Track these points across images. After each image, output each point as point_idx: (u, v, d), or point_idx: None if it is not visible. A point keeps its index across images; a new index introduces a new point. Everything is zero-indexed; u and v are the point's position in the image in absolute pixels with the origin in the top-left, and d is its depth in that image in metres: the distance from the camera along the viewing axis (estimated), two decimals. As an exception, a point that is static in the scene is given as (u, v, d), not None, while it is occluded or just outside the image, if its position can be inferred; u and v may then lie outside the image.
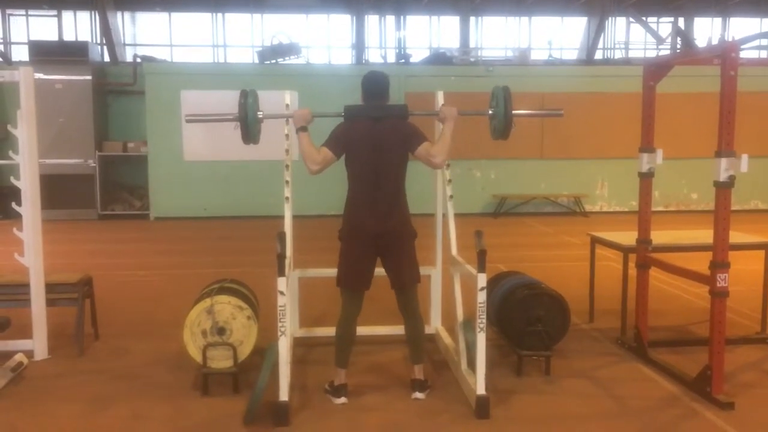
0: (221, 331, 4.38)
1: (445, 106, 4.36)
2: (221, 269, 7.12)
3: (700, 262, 4.39)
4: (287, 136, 4.94)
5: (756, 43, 15.87)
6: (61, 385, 4.53)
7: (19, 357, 4.71)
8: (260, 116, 4.28)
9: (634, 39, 17.77)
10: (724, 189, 4.03)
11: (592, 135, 13.69)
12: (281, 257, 3.90)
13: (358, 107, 4.27)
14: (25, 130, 4.89)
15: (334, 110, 4.35)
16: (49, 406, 4.17)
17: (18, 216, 5.00)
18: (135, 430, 3.86)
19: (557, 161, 13.94)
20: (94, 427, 3.90)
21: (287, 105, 5.00)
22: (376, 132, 4.16)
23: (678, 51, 15.32)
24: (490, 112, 4.42)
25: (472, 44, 17.13)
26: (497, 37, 17.81)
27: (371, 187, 4.17)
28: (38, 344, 4.99)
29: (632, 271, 5.22)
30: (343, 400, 4.18)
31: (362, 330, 4.96)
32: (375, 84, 4.28)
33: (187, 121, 4.61)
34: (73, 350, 5.09)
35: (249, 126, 4.24)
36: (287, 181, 4.74)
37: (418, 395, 4.25)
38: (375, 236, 4.17)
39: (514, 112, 4.29)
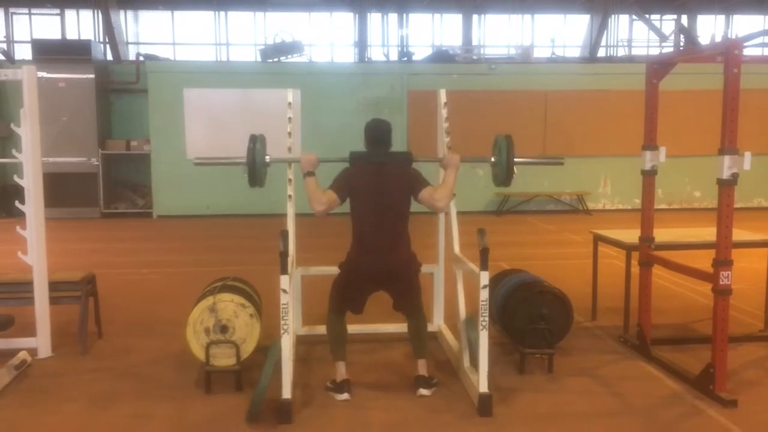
0: (224, 329, 4.38)
1: (449, 153, 4.50)
2: (224, 267, 7.13)
3: (703, 260, 4.39)
4: (290, 134, 4.95)
5: (759, 40, 15.83)
6: (65, 383, 4.54)
7: (22, 355, 4.72)
8: (268, 161, 4.35)
9: (637, 36, 17.75)
10: (727, 186, 4.03)
11: (595, 133, 13.67)
12: (284, 255, 3.91)
13: (363, 153, 4.38)
14: (28, 129, 4.90)
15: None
16: (53, 404, 4.18)
17: (21, 214, 5.02)
18: (138, 428, 3.86)
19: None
20: (98, 425, 3.90)
21: (289, 103, 5.02)
22: (379, 177, 4.28)
23: (681, 48, 15.29)
24: (492, 159, 4.51)
25: (474, 42, 17.12)
26: (500, 34, 17.79)
27: (374, 229, 4.28)
28: (41, 342, 5.00)
29: (635, 269, 5.22)
30: (345, 396, 4.19)
31: (364, 328, 4.98)
32: (378, 131, 4.41)
33: (196, 165, 4.66)
34: (76, 348, 5.10)
35: (257, 170, 4.31)
36: (290, 180, 4.74)
37: (424, 392, 4.25)
38: (375, 276, 4.31)
39: (516, 160, 4.45)
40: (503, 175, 4.48)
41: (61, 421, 3.96)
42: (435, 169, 5.25)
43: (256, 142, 4.30)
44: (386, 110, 12.71)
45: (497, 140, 4.52)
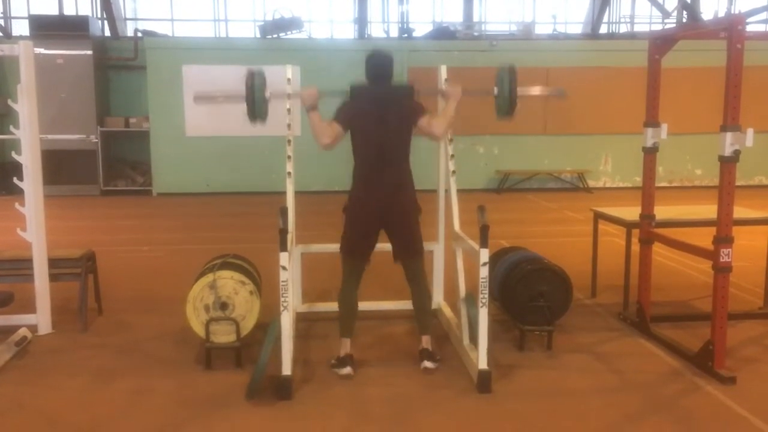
0: (224, 306, 4.39)
1: (451, 84, 4.36)
2: (224, 245, 7.12)
3: (704, 238, 4.38)
4: (289, 110, 4.92)
5: (763, 15, 15.70)
6: (65, 359, 4.56)
7: (23, 331, 4.73)
8: (268, 96, 4.27)
9: (640, 13, 17.58)
10: (728, 163, 4.01)
11: (596, 110, 13.61)
12: (283, 232, 3.90)
13: (364, 86, 4.29)
14: (25, 105, 4.87)
15: (336, 86, 4.35)
16: (54, 380, 4.20)
17: (21, 192, 5.00)
18: (138, 404, 3.88)
19: (561, 137, 13.88)
20: (98, 401, 3.92)
21: (289, 79, 4.98)
22: (380, 108, 4.19)
23: (684, 24, 15.16)
24: (495, 91, 4.42)
25: (475, 18, 16.97)
26: (501, 11, 17.63)
27: (376, 162, 4.20)
28: (42, 319, 5.01)
29: (635, 247, 5.21)
30: (348, 370, 4.20)
31: (366, 305, 4.98)
32: (379, 66, 4.31)
33: (195, 101, 4.61)
34: (76, 325, 5.11)
35: (256, 106, 4.24)
36: (289, 156, 4.72)
37: (428, 364, 4.25)
38: (380, 211, 4.21)
39: (519, 92, 4.32)
40: (506, 106, 4.41)
41: (62, 397, 3.97)
42: (435, 150, 5.24)
43: (255, 77, 4.24)
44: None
45: (500, 72, 4.44)
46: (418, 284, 4.41)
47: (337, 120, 4.18)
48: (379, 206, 4.20)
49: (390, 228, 4.29)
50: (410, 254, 4.36)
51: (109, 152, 13.59)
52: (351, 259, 4.36)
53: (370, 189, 4.21)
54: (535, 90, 4.79)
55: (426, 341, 4.36)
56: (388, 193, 4.20)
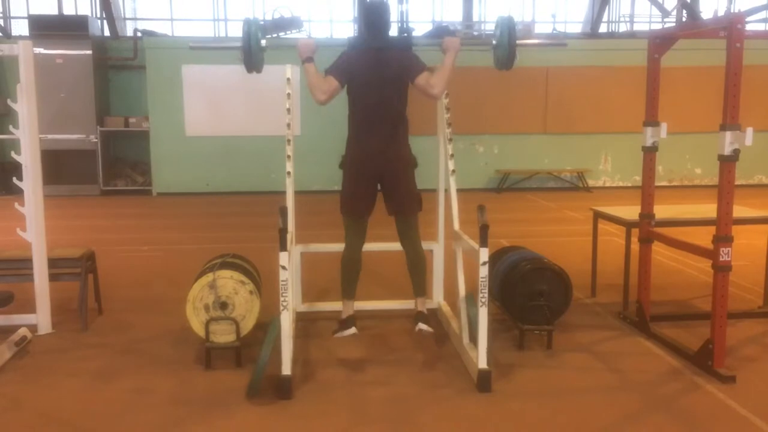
0: (224, 305, 4.39)
1: (448, 37, 4.43)
2: (223, 244, 7.12)
3: (704, 237, 4.38)
4: (289, 110, 4.91)
5: (762, 14, 15.70)
6: (66, 359, 4.56)
7: (22, 331, 4.73)
8: (264, 45, 4.37)
9: (639, 12, 17.57)
10: (728, 162, 4.01)
11: (596, 109, 13.61)
12: (283, 232, 3.90)
13: (362, 38, 4.37)
14: (25, 105, 4.87)
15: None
16: (54, 380, 4.19)
17: (20, 192, 5.00)
18: (139, 403, 3.88)
19: (561, 136, 13.88)
20: (99, 401, 3.92)
21: (288, 79, 4.99)
22: (378, 61, 4.26)
23: (683, 23, 15.16)
24: (494, 42, 4.49)
25: (475, 18, 16.97)
26: (501, 10, 17.64)
27: (373, 116, 4.28)
28: (42, 318, 5.01)
29: (635, 246, 5.21)
30: (353, 330, 4.27)
31: (366, 305, 4.99)
32: (375, 16, 4.37)
33: (191, 48, 4.70)
34: (76, 325, 5.11)
35: (253, 54, 4.32)
36: (289, 156, 4.72)
37: (423, 326, 4.31)
38: (376, 164, 4.30)
39: (517, 42, 4.39)
40: (504, 57, 4.44)
41: (63, 396, 3.98)
42: (434, 149, 5.24)
43: (251, 26, 4.29)
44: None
45: (498, 22, 4.48)
46: (410, 241, 4.49)
47: (332, 74, 4.24)
48: (374, 162, 4.29)
49: (384, 182, 4.37)
50: (405, 212, 4.45)
51: (108, 152, 13.59)
52: (350, 218, 4.45)
53: (365, 144, 4.30)
54: (535, 39, 4.82)
55: (420, 303, 4.41)
56: (383, 145, 4.27)
